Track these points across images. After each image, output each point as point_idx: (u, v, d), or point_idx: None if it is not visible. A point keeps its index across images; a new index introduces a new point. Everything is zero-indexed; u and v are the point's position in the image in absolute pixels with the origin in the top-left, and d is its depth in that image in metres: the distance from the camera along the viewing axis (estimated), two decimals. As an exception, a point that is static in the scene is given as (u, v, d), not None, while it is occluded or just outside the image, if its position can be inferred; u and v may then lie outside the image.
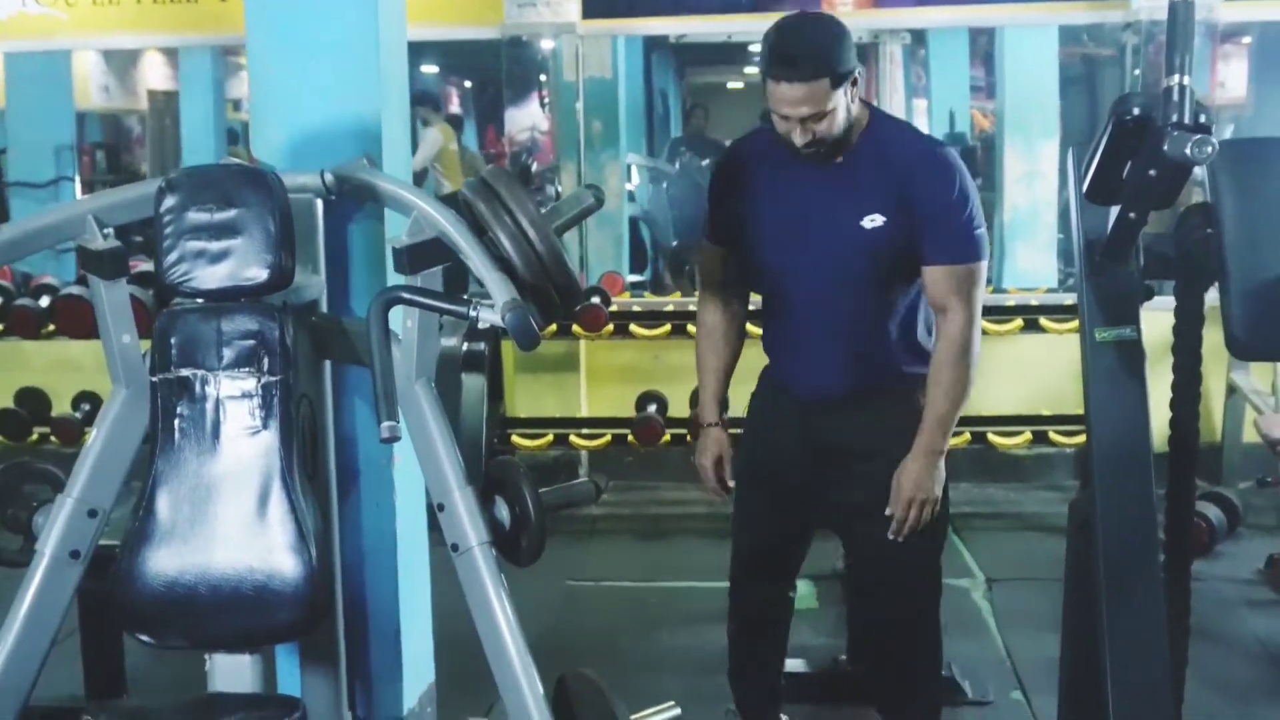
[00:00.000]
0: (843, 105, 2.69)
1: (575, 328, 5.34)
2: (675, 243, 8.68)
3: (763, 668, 3.17)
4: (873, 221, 2.77)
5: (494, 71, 13.86)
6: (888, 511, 2.82)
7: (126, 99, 12.62)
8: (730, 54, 15.40)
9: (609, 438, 5.51)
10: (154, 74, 12.82)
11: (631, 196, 9.03)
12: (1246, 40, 11.10)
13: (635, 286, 8.01)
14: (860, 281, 2.83)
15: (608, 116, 8.28)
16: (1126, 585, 2.54)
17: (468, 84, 15.02)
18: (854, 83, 2.71)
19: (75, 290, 5.14)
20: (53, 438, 5.64)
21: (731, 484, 3.06)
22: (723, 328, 3.05)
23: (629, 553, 5.16)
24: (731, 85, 22.62)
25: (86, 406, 5.78)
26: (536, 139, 13.96)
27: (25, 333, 5.26)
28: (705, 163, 9.68)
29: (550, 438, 5.47)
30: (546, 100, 8.42)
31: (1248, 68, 11.47)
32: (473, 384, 5.06)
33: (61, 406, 5.83)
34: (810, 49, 2.66)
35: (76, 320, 5.02)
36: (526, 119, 7.70)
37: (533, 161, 8.31)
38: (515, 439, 5.44)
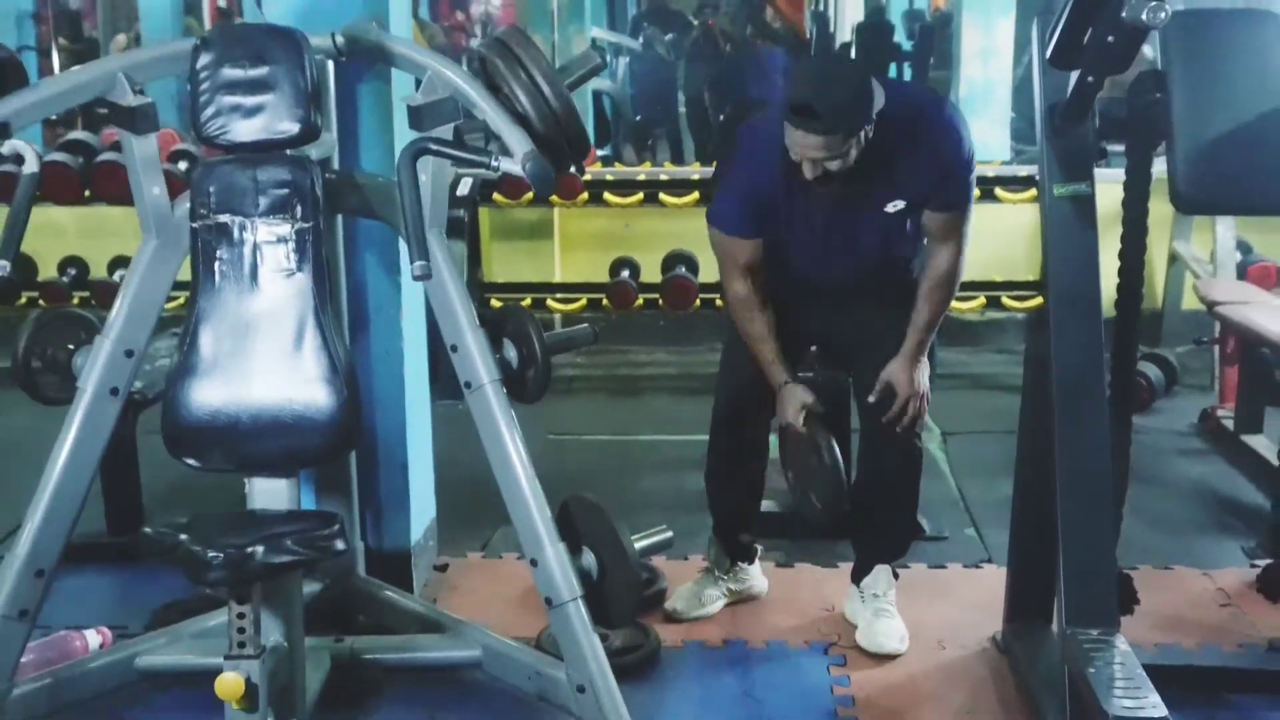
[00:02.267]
0: (856, 146, 2.81)
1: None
2: (638, 117, 8.80)
3: (743, 471, 3.38)
4: (895, 206, 3.04)
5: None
6: (877, 400, 3.15)
7: (80, -35, 12.44)
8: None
9: (584, 302, 5.71)
10: (107, -58, 12.61)
11: (594, 70, 9.12)
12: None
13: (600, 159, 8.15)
14: (871, 255, 3.15)
15: (573, -11, 8.38)
16: (1077, 417, 2.79)
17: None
18: (867, 130, 2.82)
19: (109, 156, 5.22)
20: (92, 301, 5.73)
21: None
22: (759, 298, 3.16)
23: (605, 409, 5.41)
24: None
25: (122, 270, 5.84)
26: (491, 13, 13.88)
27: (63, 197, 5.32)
28: (668, 37, 9.77)
29: (527, 302, 5.66)
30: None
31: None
32: (453, 249, 5.22)
33: (98, 271, 5.93)
34: (832, 107, 2.73)
35: (115, 185, 4.97)
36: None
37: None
38: (493, 303, 5.63)
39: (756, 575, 3.51)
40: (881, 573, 3.32)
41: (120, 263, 5.79)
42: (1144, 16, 2.24)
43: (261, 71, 2.59)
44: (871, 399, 3.17)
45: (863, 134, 2.81)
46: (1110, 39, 2.42)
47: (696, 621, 3.38)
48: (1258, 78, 2.67)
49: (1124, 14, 2.28)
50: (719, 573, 3.45)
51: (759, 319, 3.15)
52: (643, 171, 6.08)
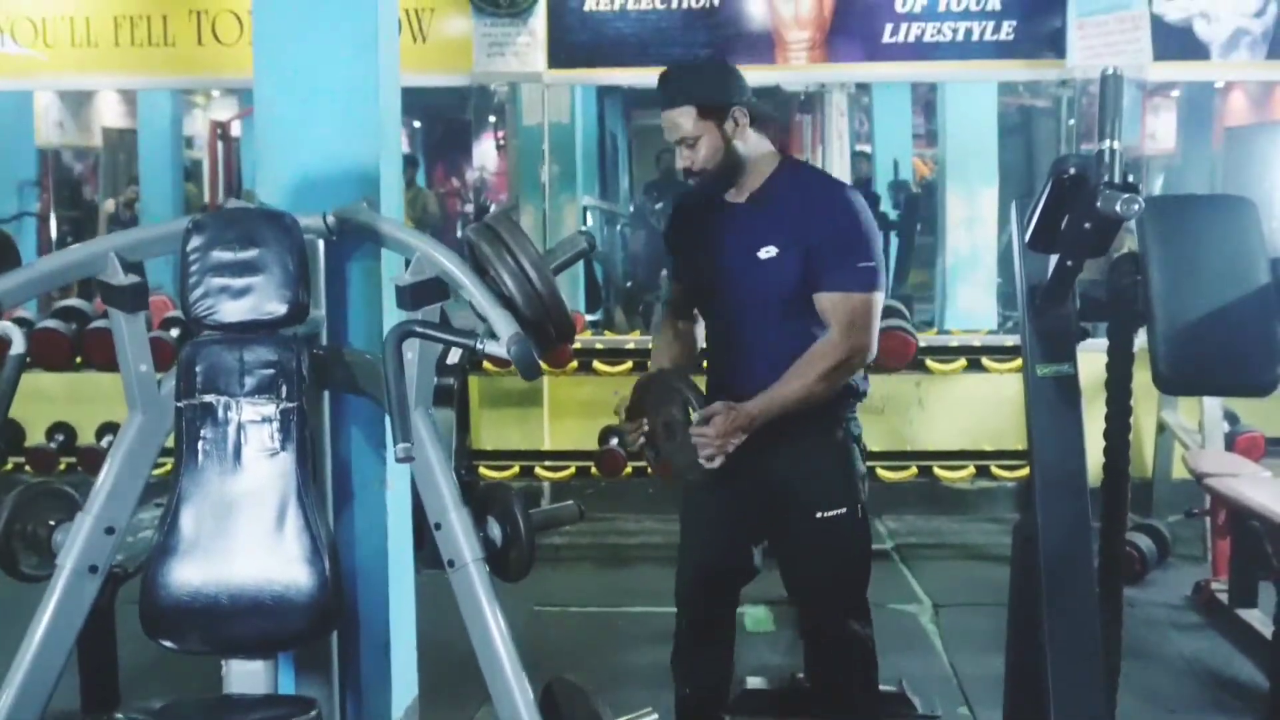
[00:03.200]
0: (713, 136, 3.00)
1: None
2: (629, 284, 8.92)
3: (706, 653, 3.32)
4: (767, 253, 3.03)
5: (441, 112, 14.13)
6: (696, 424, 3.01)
7: (80, 135, 12.72)
8: (678, 99, 15.73)
9: (573, 469, 5.73)
10: (109, 111, 12.93)
11: (587, 238, 9.25)
12: (1175, 94, 11.55)
13: (591, 325, 8.22)
14: (767, 310, 3.07)
15: (565, 160, 8.52)
16: (1066, 594, 2.77)
17: (416, 124, 15.23)
18: (735, 121, 3.02)
19: (101, 324, 5.28)
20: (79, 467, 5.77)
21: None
22: (672, 333, 3.30)
23: (593, 579, 5.36)
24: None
25: (110, 436, 5.87)
26: (486, 179, 14.14)
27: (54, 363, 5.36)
28: (659, 205, 9.93)
29: (516, 469, 5.67)
30: (502, 143, 8.65)
31: (1176, 120, 11.93)
32: (442, 417, 5.24)
33: (86, 437, 5.95)
34: (676, 79, 3.05)
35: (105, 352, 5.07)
36: (480, 160, 7.92)
37: (490, 202, 8.49)
38: (482, 470, 5.62)
39: None
40: None
41: (109, 429, 5.80)
42: (1118, 208, 2.29)
43: (251, 254, 2.62)
44: (695, 419, 3.02)
45: (721, 126, 2.99)
46: (1087, 226, 2.46)
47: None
48: (1233, 261, 2.72)
49: (1099, 204, 2.33)
50: None
51: (668, 349, 3.27)
52: (632, 340, 6.14)
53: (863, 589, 3.17)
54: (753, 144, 3.08)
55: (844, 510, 3.07)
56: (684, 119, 3.01)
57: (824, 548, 3.10)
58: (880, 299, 3.04)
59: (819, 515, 3.05)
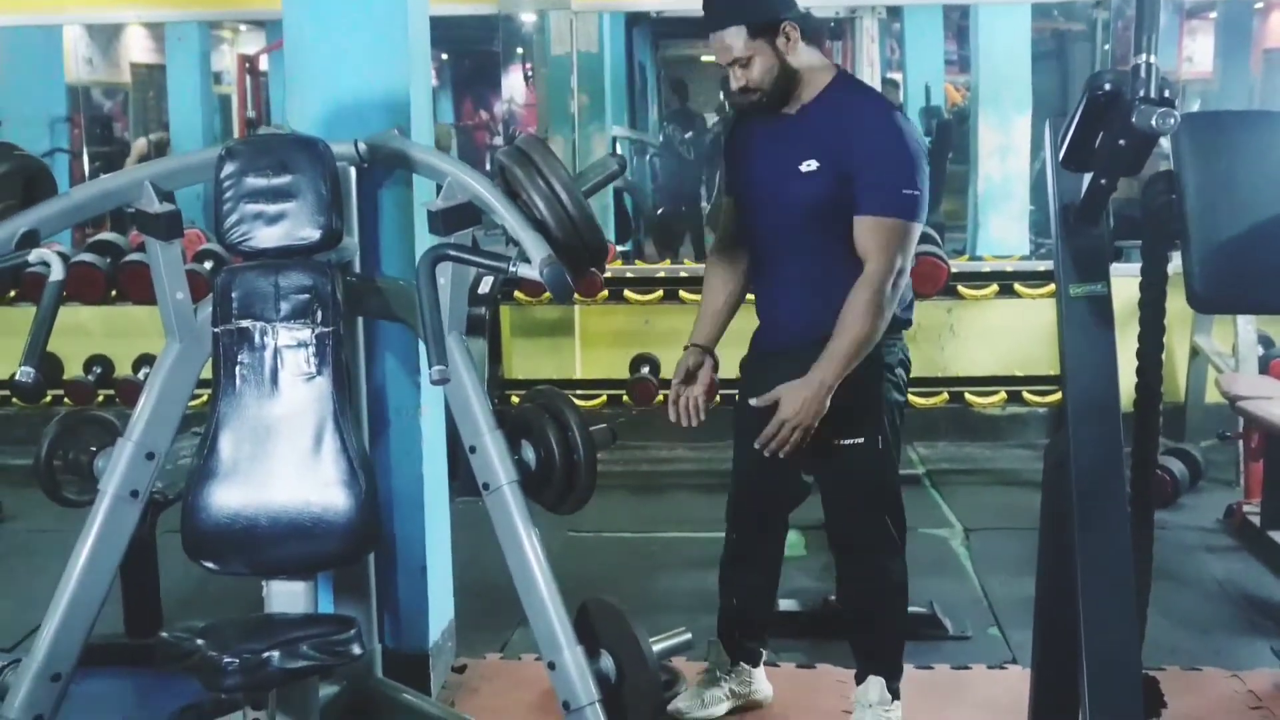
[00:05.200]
0: (766, 54, 2.93)
1: (571, 292, 5.54)
2: (659, 212, 8.89)
3: (752, 569, 3.35)
4: (808, 166, 2.96)
5: (469, 44, 14.05)
6: (758, 406, 2.96)
7: (109, 72, 12.73)
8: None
9: (604, 398, 5.75)
10: (137, 47, 12.93)
11: (617, 168, 9.23)
12: (1213, 16, 11.36)
13: (621, 255, 8.22)
14: (803, 230, 3.01)
15: (594, 90, 8.47)
16: (1097, 517, 2.77)
17: (444, 56, 15.15)
18: (787, 36, 2.93)
19: (135, 257, 5.31)
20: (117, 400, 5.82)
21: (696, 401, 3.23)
22: (723, 274, 3.25)
23: (625, 506, 5.39)
24: (705, 58, 22.74)
25: (147, 369, 5.90)
26: (515, 111, 14.09)
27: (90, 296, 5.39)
28: (687, 135, 9.89)
29: (547, 399, 5.67)
30: (530, 74, 8.60)
31: (1214, 43, 11.74)
32: (474, 347, 5.27)
33: (123, 370, 6.01)
34: (719, 2, 2.98)
35: (140, 285, 5.09)
36: (509, 93, 7.89)
37: (519, 134, 8.48)
38: (514, 399, 5.65)
39: (761, 680, 3.44)
40: (873, 684, 3.21)
41: (145, 361, 5.85)
42: (1153, 123, 2.27)
43: (284, 180, 2.64)
44: (754, 401, 2.98)
45: (773, 43, 2.92)
46: (1121, 143, 2.44)
47: (724, 713, 3.36)
48: (1269, 178, 2.69)
49: (1134, 120, 2.30)
50: (720, 673, 3.41)
51: (716, 293, 3.23)
52: (662, 269, 6.14)
53: (884, 517, 3.15)
54: (805, 58, 3.00)
55: (862, 440, 3.05)
56: (735, 39, 2.93)
57: (844, 475, 3.10)
58: (918, 229, 2.95)
59: (838, 443, 3.05)
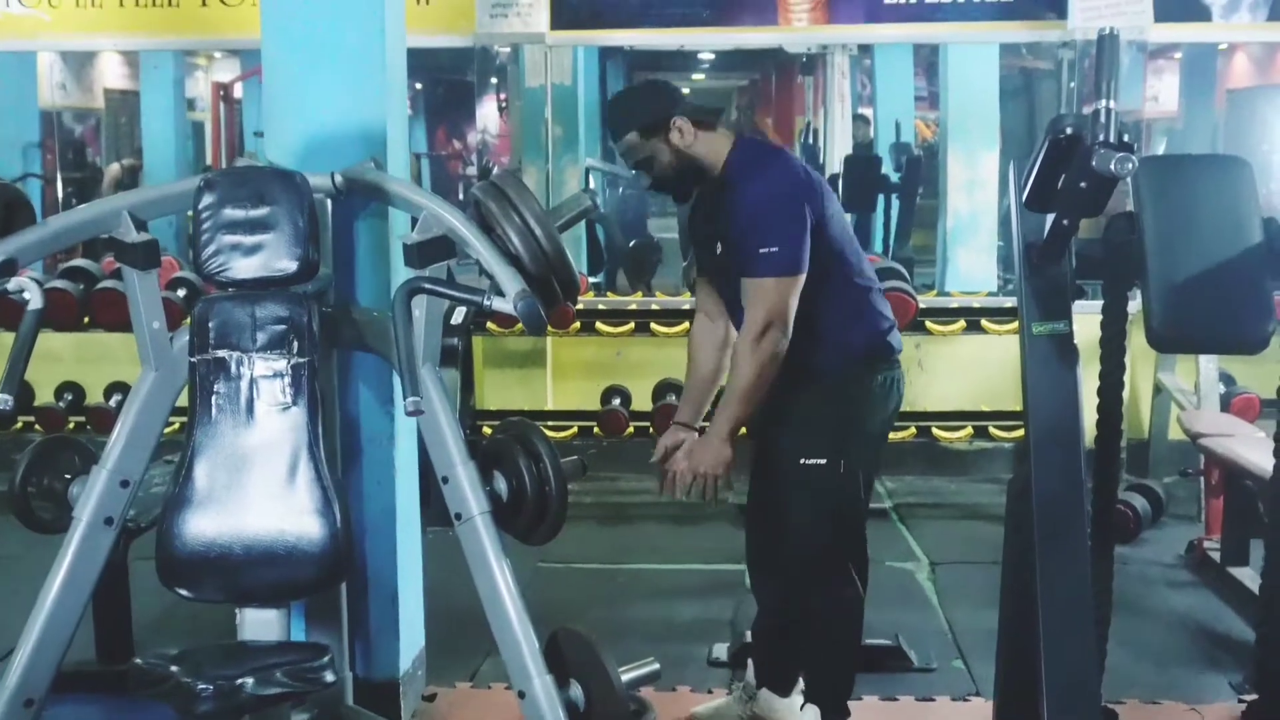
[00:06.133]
0: (662, 150, 3.14)
1: (542, 324, 5.58)
2: (631, 244, 8.91)
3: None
4: (719, 249, 3.19)
5: (443, 74, 14.10)
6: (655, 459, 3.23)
7: (83, 97, 12.71)
8: (680, 60, 15.71)
9: (575, 429, 5.78)
10: (111, 73, 12.93)
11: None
12: (1178, 56, 11.54)
13: (593, 286, 8.26)
14: (737, 299, 3.16)
15: (568, 122, 8.53)
16: (1058, 550, 2.82)
17: (418, 85, 15.20)
18: (680, 131, 3.13)
19: (108, 284, 5.33)
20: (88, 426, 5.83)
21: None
22: (704, 347, 3.41)
23: (595, 536, 5.41)
24: (681, 89, 22.90)
25: (118, 396, 5.91)
26: (488, 141, 14.16)
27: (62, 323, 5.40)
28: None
29: (518, 429, 5.69)
30: (504, 105, 8.64)
31: (1179, 82, 11.92)
32: (447, 378, 5.30)
33: (94, 397, 6.02)
34: (614, 112, 3.29)
35: (113, 312, 5.18)
36: (482, 123, 7.95)
37: (493, 164, 8.53)
38: (486, 430, 5.67)
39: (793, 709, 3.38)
40: (809, 711, 3.26)
41: (117, 388, 5.86)
42: (1112, 166, 2.34)
43: (262, 212, 2.68)
44: (652, 459, 3.24)
45: (666, 140, 3.12)
46: (1082, 185, 2.51)
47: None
48: (1227, 220, 2.75)
49: (1094, 163, 2.37)
50: (744, 695, 3.46)
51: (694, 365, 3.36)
52: (634, 301, 6.18)
53: (833, 543, 3.19)
54: (705, 142, 3.17)
55: (824, 461, 3.12)
56: (633, 143, 3.17)
57: (801, 493, 3.16)
58: (788, 279, 3.04)
59: (801, 461, 3.13)
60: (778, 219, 3.06)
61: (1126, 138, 2.44)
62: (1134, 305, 2.87)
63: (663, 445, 3.27)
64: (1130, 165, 2.35)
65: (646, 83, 3.37)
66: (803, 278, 3.05)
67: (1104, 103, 2.45)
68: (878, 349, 3.22)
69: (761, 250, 3.03)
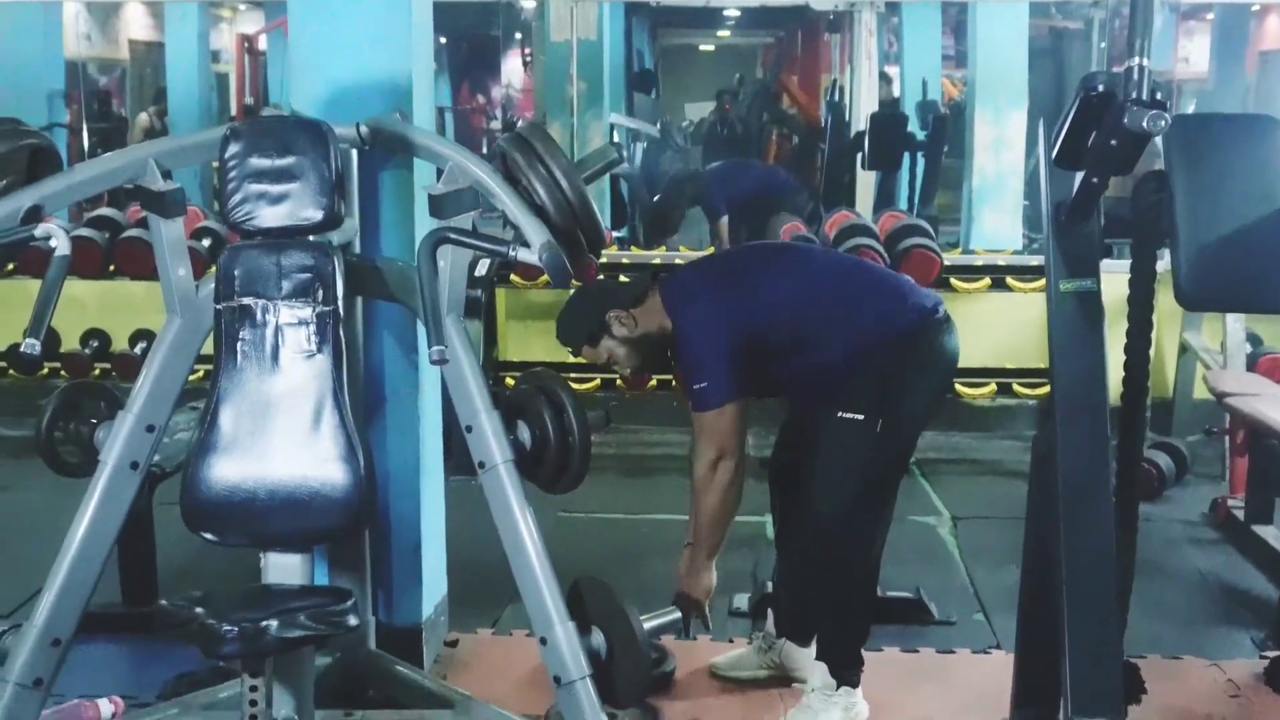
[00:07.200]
0: (616, 345, 3.27)
1: (566, 278, 5.58)
2: (655, 200, 8.90)
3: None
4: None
5: (468, 29, 14.06)
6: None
7: (107, 48, 12.74)
8: (704, 17, 15.59)
9: (598, 382, 5.79)
10: (135, 24, 12.94)
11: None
12: (1210, 17, 11.41)
13: (617, 241, 8.26)
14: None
15: (593, 77, 8.50)
16: (1082, 508, 2.82)
17: (442, 40, 15.16)
18: (620, 323, 3.24)
19: (134, 233, 5.35)
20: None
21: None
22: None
23: (616, 489, 5.43)
24: (703, 47, 22.74)
25: (144, 343, 5.95)
26: (512, 97, 14.12)
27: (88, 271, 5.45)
28: (686, 123, 9.89)
29: (541, 382, 5.71)
30: (529, 60, 8.64)
31: (1210, 44, 11.79)
32: (470, 330, 5.32)
33: (119, 344, 6.07)
34: (559, 332, 3.39)
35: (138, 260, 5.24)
36: (507, 78, 7.92)
37: (517, 119, 8.51)
38: (509, 381, 5.69)
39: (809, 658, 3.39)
40: (818, 668, 3.25)
41: (141, 336, 5.89)
42: (1145, 124, 2.31)
43: (288, 161, 2.68)
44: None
45: (612, 336, 3.25)
46: (1113, 143, 2.49)
47: (716, 693, 3.45)
48: (1258, 180, 2.73)
49: (1125, 121, 2.35)
50: (764, 645, 3.50)
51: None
52: (658, 255, 6.17)
53: (860, 500, 3.18)
54: (646, 316, 3.25)
55: (861, 417, 3.12)
56: (589, 353, 3.33)
57: (834, 446, 3.16)
58: (726, 411, 3.13)
59: (839, 415, 3.14)
60: (698, 354, 3.17)
61: (1159, 96, 2.42)
62: (1161, 265, 2.86)
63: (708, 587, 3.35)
64: (1163, 123, 2.32)
65: (571, 297, 3.49)
66: (739, 404, 3.14)
67: (1137, 60, 2.42)
68: (916, 318, 3.23)
69: (695, 387, 3.16)
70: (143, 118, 11.15)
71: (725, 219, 8.07)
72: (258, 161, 2.68)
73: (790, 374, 3.24)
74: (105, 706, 3.14)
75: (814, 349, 3.20)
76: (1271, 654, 3.62)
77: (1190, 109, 11.20)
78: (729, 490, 3.18)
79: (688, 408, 3.23)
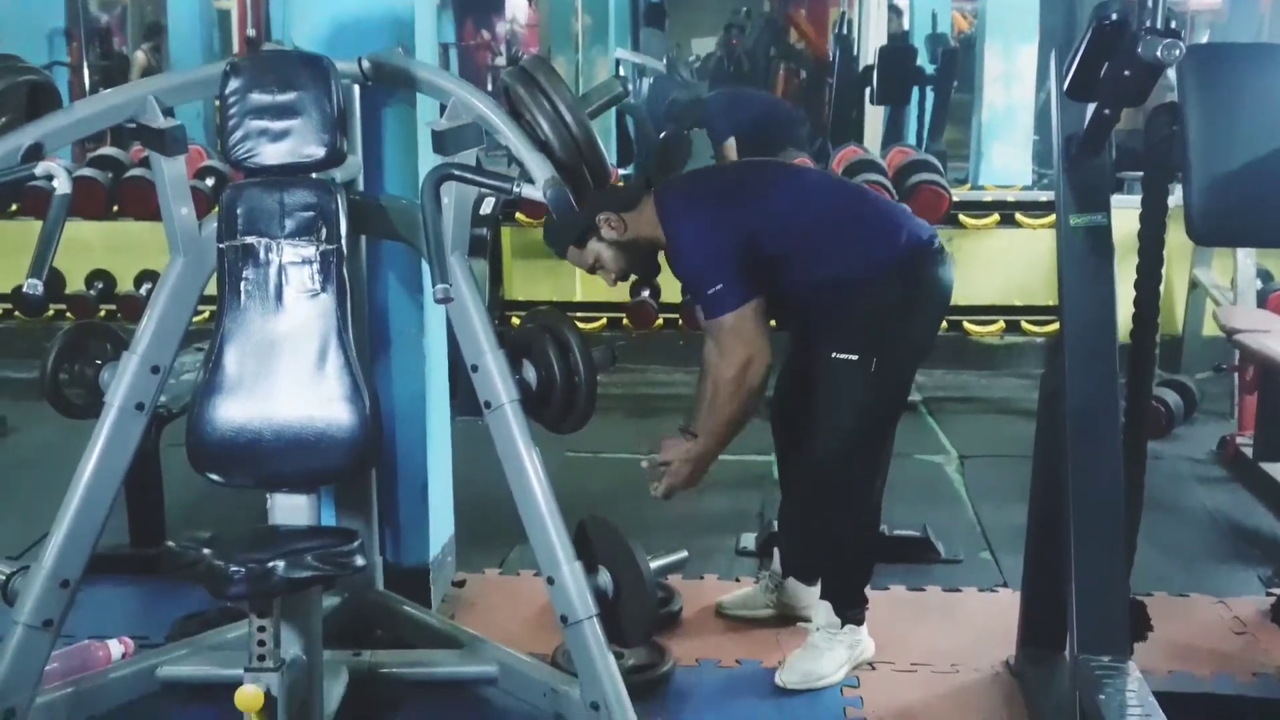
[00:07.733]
0: (605, 249, 3.20)
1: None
2: (661, 136, 8.83)
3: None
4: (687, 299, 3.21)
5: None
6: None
7: (106, -17, 12.60)
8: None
9: (604, 321, 5.78)
10: (136, -41, 12.79)
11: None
12: (1224, -54, 11.25)
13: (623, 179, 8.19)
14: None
15: (597, 12, 8.41)
16: (1090, 445, 2.81)
17: (447, -25, 14.97)
18: (609, 226, 3.16)
19: (137, 172, 5.31)
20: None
21: None
22: None
23: (623, 428, 5.42)
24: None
25: (148, 284, 5.90)
26: (516, 32, 14.00)
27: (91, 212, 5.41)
28: (692, 58, 9.79)
29: (547, 321, 5.70)
30: (535, -6, 8.54)
31: (1224, -26, 11.63)
32: (475, 268, 5.29)
33: (124, 285, 6.05)
34: (546, 235, 3.36)
35: (142, 201, 5.18)
36: (511, 13, 7.84)
37: (522, 55, 8.42)
38: (514, 321, 5.67)
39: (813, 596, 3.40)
40: (823, 607, 3.26)
41: (146, 277, 5.87)
42: (1159, 54, 2.28)
43: (289, 97, 2.64)
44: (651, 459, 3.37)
45: (600, 238, 3.17)
46: (1126, 74, 2.45)
47: (722, 632, 3.47)
48: (1273, 111, 2.69)
49: (1139, 50, 2.31)
50: (770, 584, 3.51)
51: None
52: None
53: (856, 440, 3.16)
54: (636, 221, 3.18)
55: (855, 357, 3.09)
56: (575, 256, 3.27)
57: (829, 387, 3.14)
58: (746, 310, 3.04)
59: (832, 355, 3.11)
60: (704, 259, 3.09)
61: (1174, 25, 2.37)
62: (1172, 200, 2.82)
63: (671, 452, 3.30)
64: (1178, 52, 2.29)
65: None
66: (757, 301, 3.06)
67: (1151, -13, 2.38)
68: (913, 249, 3.16)
69: (709, 292, 3.07)
70: (139, 55, 11.04)
71: (731, 140, 8.00)
72: (258, 97, 2.64)
73: (786, 291, 3.15)
74: (115, 647, 3.16)
75: (810, 264, 3.14)
76: (1278, 591, 3.63)
77: (1204, 40, 11.06)
78: (754, 397, 3.09)
79: (700, 320, 3.16)
